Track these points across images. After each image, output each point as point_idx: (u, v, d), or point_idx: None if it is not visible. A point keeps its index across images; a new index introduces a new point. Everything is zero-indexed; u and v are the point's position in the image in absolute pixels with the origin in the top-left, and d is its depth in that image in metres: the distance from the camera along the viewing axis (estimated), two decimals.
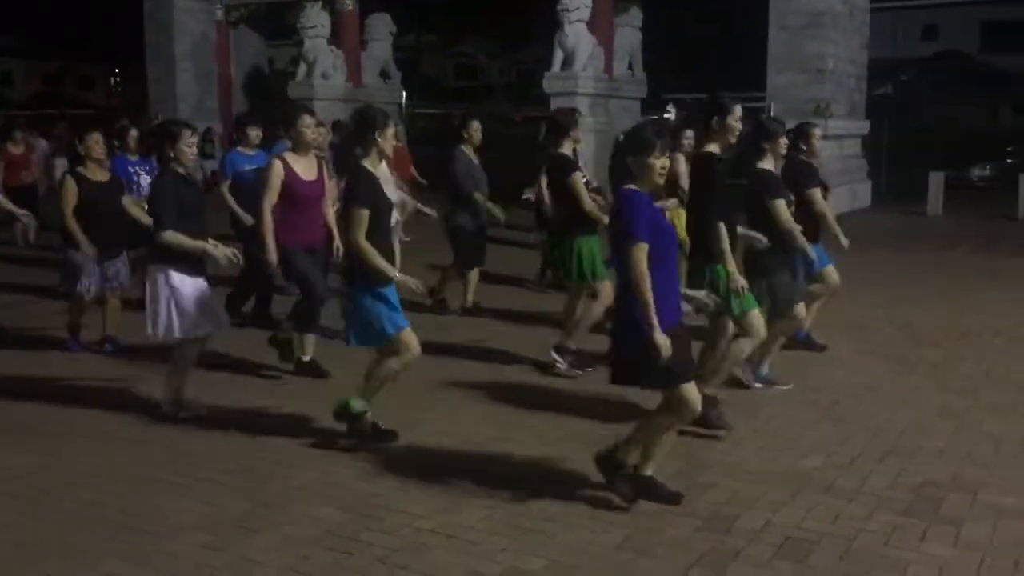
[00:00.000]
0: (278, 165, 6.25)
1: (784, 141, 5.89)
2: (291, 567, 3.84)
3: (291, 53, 25.01)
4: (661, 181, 4.25)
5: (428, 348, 6.04)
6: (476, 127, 8.44)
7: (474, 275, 8.63)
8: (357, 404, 5.07)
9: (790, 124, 6.32)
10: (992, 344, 7.45)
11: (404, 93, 22.68)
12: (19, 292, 9.48)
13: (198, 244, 5.49)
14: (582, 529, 4.15)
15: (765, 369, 6.23)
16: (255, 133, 8.08)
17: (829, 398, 6.01)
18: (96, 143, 7.01)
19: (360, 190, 4.89)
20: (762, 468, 4.84)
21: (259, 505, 4.44)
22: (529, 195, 8.93)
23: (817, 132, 6.75)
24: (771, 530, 4.13)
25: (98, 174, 7.07)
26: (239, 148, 8.11)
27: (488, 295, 8.86)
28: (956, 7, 36.01)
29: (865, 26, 18.07)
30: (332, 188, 6.77)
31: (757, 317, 5.40)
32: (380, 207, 4.94)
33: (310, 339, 6.56)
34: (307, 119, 6.27)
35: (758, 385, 6.17)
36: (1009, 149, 25.26)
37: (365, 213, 4.85)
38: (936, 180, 17.19)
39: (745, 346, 5.42)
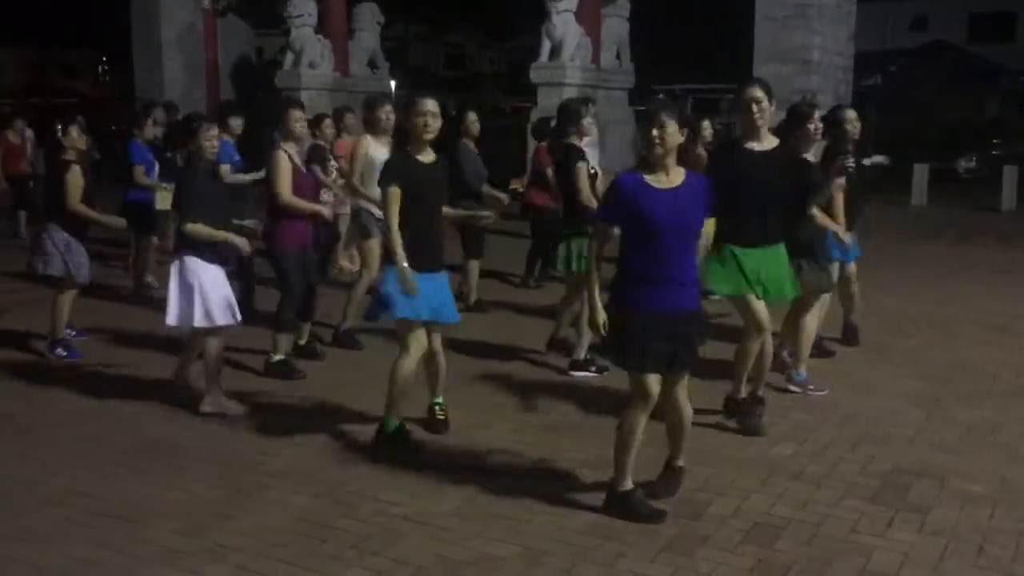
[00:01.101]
0: (284, 156, 6.27)
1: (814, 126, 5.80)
2: (264, 553, 3.87)
3: (280, 42, 24.90)
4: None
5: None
6: (472, 119, 8.40)
7: (476, 267, 8.55)
8: (390, 424, 5.05)
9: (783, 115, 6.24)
10: (967, 334, 7.51)
11: (393, 83, 22.64)
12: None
13: (219, 233, 5.55)
14: (553, 515, 4.19)
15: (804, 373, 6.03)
16: (236, 123, 8.08)
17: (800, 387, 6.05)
18: (79, 135, 7.00)
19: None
20: (734, 455, 4.89)
21: (233, 492, 4.46)
22: (517, 185, 8.89)
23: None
24: (740, 516, 4.18)
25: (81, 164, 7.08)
26: (224, 137, 8.09)
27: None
28: None
29: (852, 17, 18.07)
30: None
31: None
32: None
33: (283, 339, 6.52)
34: (296, 113, 6.38)
35: (796, 390, 5.95)
36: (996, 141, 25.39)
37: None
38: (921, 171, 17.26)
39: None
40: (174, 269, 5.58)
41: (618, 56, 19.82)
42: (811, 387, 5.93)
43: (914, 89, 29.01)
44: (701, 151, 7.15)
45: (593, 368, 6.35)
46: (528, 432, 5.27)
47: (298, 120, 6.35)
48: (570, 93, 17.49)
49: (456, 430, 5.28)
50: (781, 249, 5.26)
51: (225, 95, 23.56)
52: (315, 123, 8.94)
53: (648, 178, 4.06)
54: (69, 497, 4.41)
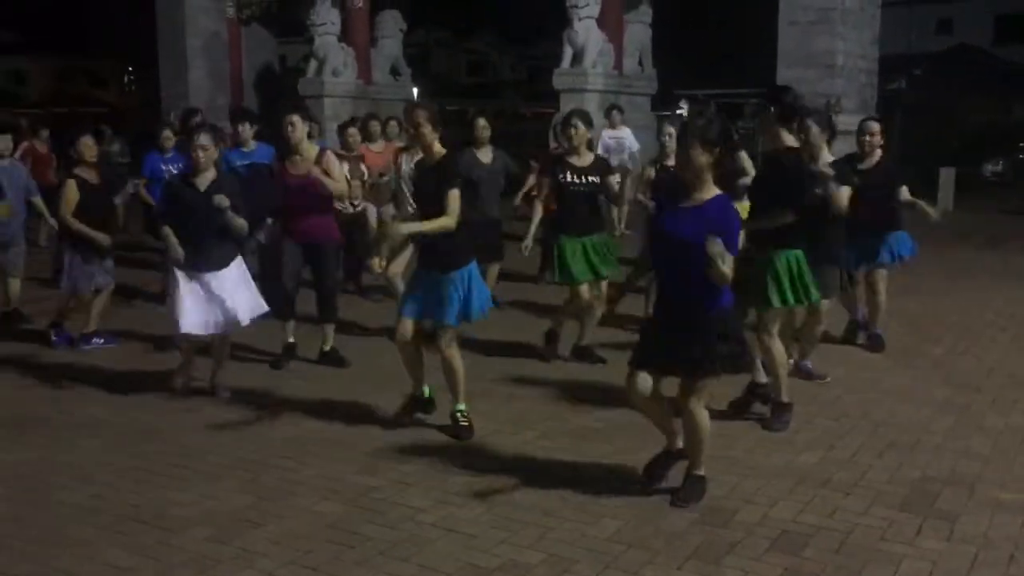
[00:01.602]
0: (276, 162, 6.66)
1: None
2: (293, 560, 3.90)
3: (303, 50, 25.06)
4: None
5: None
6: (482, 125, 8.40)
7: (494, 270, 8.57)
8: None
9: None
10: (996, 340, 7.46)
11: (415, 90, 22.72)
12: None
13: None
14: (579, 523, 4.20)
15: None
16: (243, 129, 8.17)
17: (830, 392, 6.04)
18: (88, 147, 7.14)
19: None
20: (761, 463, 4.87)
21: (261, 499, 4.50)
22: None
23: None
24: (767, 524, 4.17)
25: (92, 177, 7.21)
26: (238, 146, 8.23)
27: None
28: (970, 2, 35.80)
29: (876, 21, 17.97)
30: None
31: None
32: None
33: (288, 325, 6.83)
34: (292, 118, 6.48)
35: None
36: (1022, 144, 25.14)
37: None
38: (947, 176, 17.14)
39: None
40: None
41: (640, 62, 19.81)
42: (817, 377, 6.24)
43: (939, 93, 28.75)
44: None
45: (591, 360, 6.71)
46: (554, 438, 5.28)
47: (290, 124, 6.46)
48: (592, 99, 17.57)
49: (482, 436, 5.30)
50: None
51: (249, 103, 23.75)
52: (341, 129, 9.15)
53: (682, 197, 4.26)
54: (101, 504, 4.46)
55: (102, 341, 7.36)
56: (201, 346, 6.12)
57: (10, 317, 8.11)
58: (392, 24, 22.81)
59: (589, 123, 6.67)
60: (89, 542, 4.06)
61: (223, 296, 5.81)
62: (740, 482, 4.61)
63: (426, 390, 5.55)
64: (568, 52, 18.01)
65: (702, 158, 4.12)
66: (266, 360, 6.84)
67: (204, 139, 5.82)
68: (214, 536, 4.11)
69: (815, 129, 5.88)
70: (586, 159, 6.63)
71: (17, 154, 12.92)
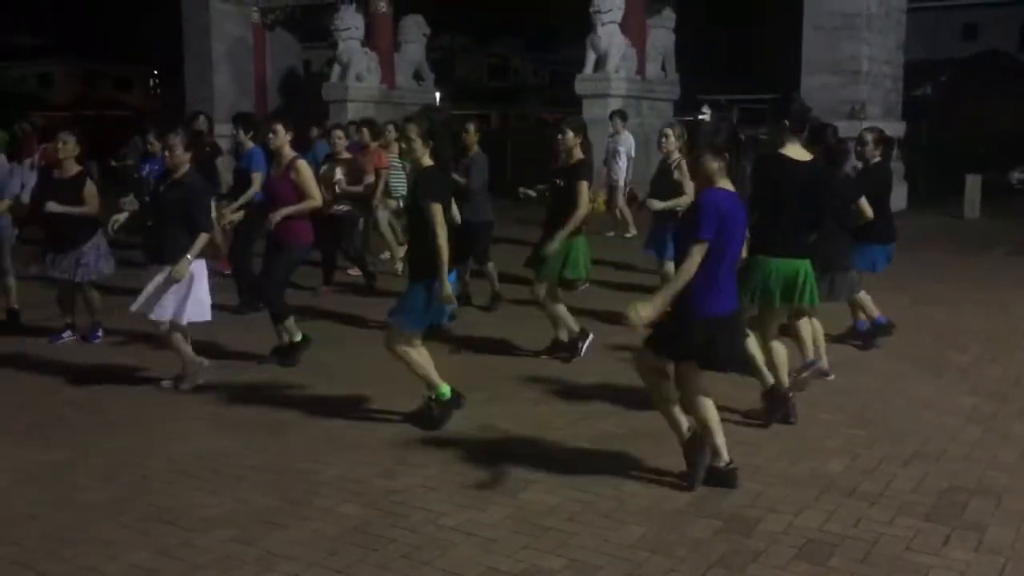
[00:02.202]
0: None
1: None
2: (317, 562, 3.91)
3: (327, 55, 25.21)
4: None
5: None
6: (470, 130, 8.61)
7: (492, 270, 8.91)
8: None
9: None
10: (1022, 348, 7.37)
11: (438, 94, 22.80)
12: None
13: None
14: (603, 528, 4.18)
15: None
16: (238, 134, 8.41)
17: (855, 401, 5.99)
18: (63, 144, 7.37)
19: None
20: (786, 471, 4.84)
21: (286, 501, 4.52)
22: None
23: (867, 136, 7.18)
24: (792, 532, 4.14)
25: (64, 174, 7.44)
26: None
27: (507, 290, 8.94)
28: (996, 7, 35.54)
29: (901, 26, 17.87)
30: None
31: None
32: None
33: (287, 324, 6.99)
34: (275, 125, 6.89)
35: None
36: None
37: None
38: (973, 182, 16.99)
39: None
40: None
41: (663, 67, 19.79)
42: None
43: (965, 99, 28.55)
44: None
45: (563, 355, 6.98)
46: (578, 442, 5.27)
47: (272, 133, 6.88)
48: (615, 104, 17.56)
49: (505, 441, 5.30)
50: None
51: (273, 107, 23.91)
52: (330, 132, 9.58)
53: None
54: (126, 506, 4.49)
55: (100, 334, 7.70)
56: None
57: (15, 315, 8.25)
58: (415, 29, 22.91)
59: (578, 130, 6.89)
60: (113, 541, 4.09)
61: (163, 289, 6.16)
62: (764, 490, 4.58)
63: (445, 390, 5.55)
64: (591, 57, 18.02)
65: (712, 164, 4.34)
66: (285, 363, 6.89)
67: (172, 140, 6.31)
68: (238, 537, 4.13)
69: (672, 139, 6.38)
70: (574, 161, 6.88)
71: (36, 156, 13.15)
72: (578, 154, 6.86)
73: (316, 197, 6.93)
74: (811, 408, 5.84)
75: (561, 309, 7.02)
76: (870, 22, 16.36)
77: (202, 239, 6.18)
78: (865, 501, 4.47)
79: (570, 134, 6.83)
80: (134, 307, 6.29)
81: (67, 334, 7.66)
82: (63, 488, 4.70)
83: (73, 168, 7.41)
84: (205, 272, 6.33)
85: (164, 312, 6.18)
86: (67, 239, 7.33)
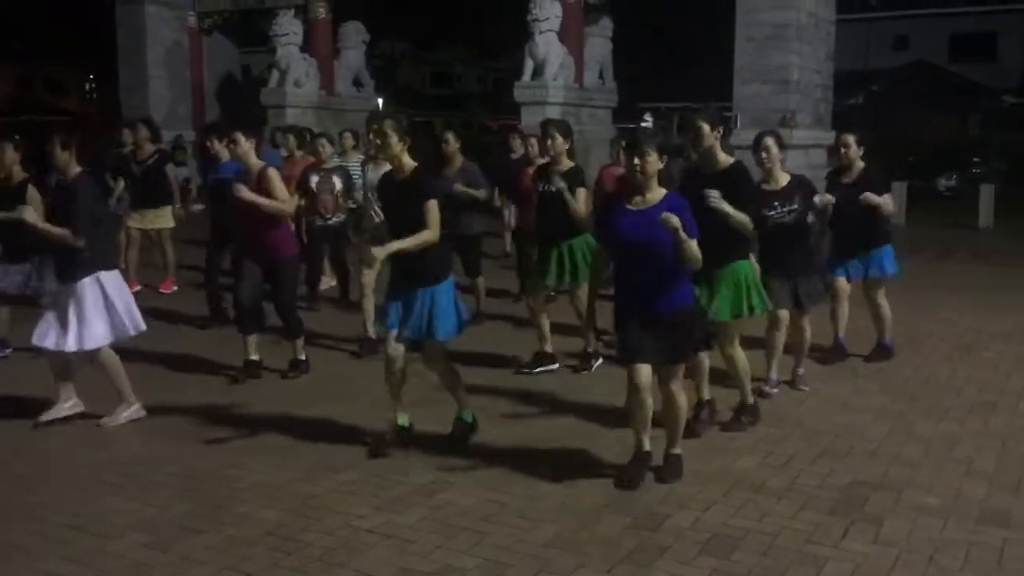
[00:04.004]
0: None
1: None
2: (230, 566, 3.93)
3: (266, 60, 25.08)
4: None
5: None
6: (450, 139, 8.42)
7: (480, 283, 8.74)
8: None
9: (750, 134, 6.45)
10: (939, 350, 7.63)
11: (380, 101, 22.76)
12: None
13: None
14: (517, 528, 4.26)
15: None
16: (211, 143, 8.26)
17: (771, 401, 6.14)
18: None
19: None
20: (698, 468, 4.96)
21: (203, 506, 4.53)
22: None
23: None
24: (699, 528, 4.26)
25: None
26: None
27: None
28: (926, 18, 36.48)
29: (831, 37, 18.30)
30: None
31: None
32: None
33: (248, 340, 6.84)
34: (235, 134, 6.63)
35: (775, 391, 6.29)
36: (976, 159, 25.66)
37: None
38: (899, 189, 17.43)
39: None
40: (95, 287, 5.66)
41: (601, 75, 20.03)
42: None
43: (896, 108, 29.31)
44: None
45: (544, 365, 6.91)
46: (498, 445, 5.34)
47: (233, 144, 6.70)
48: (553, 112, 17.71)
49: (425, 445, 5.34)
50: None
51: (211, 112, 23.67)
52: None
53: (628, 200, 4.63)
54: (43, 512, 4.46)
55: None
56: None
57: None
58: (355, 35, 22.88)
59: (566, 133, 6.76)
60: (27, 549, 4.07)
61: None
62: (675, 487, 4.71)
63: (403, 419, 5.38)
64: (529, 65, 18.17)
65: (657, 164, 4.53)
66: (230, 374, 6.84)
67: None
68: (152, 543, 4.13)
69: (775, 151, 5.89)
70: (565, 167, 6.69)
71: None
72: (567, 161, 6.74)
73: (288, 202, 6.67)
74: (724, 409, 5.98)
75: (546, 323, 6.96)
76: (800, 33, 16.73)
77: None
78: (772, 496, 4.61)
79: (559, 139, 6.63)
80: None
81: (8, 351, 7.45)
82: None
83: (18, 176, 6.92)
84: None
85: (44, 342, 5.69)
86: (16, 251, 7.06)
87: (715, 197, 5.03)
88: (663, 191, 4.58)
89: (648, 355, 4.56)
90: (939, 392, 6.42)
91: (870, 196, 6.71)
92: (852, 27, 28.50)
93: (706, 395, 5.69)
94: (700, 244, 4.48)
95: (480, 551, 4.05)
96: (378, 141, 5.05)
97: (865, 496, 4.61)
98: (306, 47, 21.50)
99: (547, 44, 17.96)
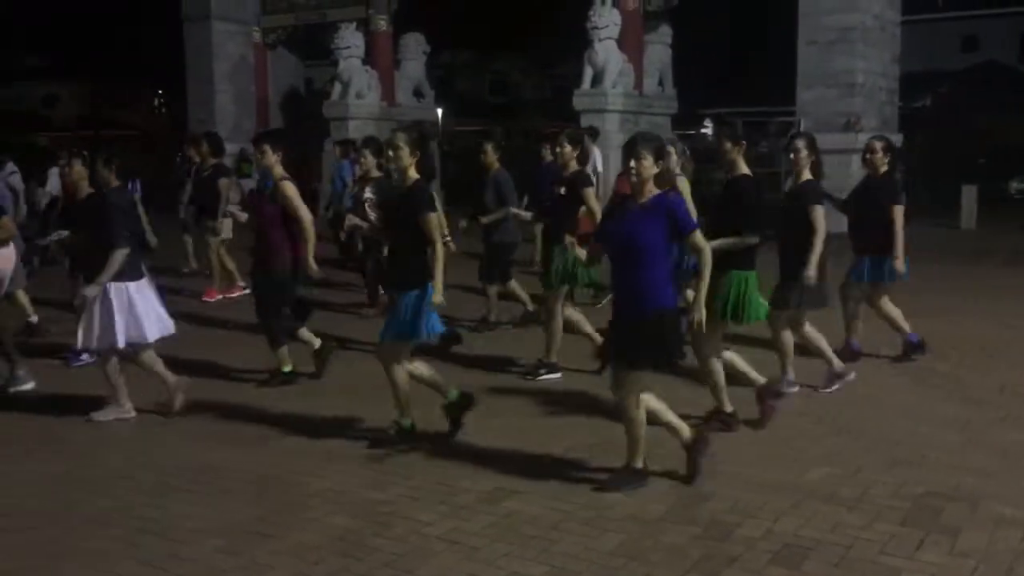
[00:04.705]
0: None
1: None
2: (301, 571, 3.99)
3: (329, 73, 25.47)
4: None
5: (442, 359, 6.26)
6: (486, 148, 8.81)
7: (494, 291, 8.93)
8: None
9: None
10: (1011, 357, 7.43)
11: (439, 111, 22.94)
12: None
13: None
14: (584, 536, 4.26)
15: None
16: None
17: (838, 410, 6.06)
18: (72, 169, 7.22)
19: None
20: (765, 478, 4.91)
21: (272, 512, 4.60)
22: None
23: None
24: (769, 538, 4.21)
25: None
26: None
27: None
28: (995, 18, 35.64)
29: (896, 39, 17.99)
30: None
31: None
32: None
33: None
34: (263, 146, 6.96)
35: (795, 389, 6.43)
36: None
37: None
38: (969, 193, 17.07)
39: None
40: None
41: (661, 83, 19.93)
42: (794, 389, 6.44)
43: (965, 110, 28.62)
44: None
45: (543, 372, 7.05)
46: (557, 454, 5.34)
47: (258, 155, 7.06)
48: (612, 119, 17.71)
49: (488, 453, 5.37)
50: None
51: (274, 125, 24.10)
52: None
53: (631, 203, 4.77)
54: (116, 517, 4.58)
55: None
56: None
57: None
58: (415, 46, 23.11)
59: (574, 142, 7.05)
60: (103, 553, 4.18)
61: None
62: (743, 497, 4.65)
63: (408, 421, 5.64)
64: (588, 72, 18.16)
65: (652, 168, 4.69)
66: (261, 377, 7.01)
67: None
68: (224, 548, 4.21)
69: (803, 153, 6.23)
70: (571, 171, 7.05)
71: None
72: (574, 165, 7.00)
73: (304, 216, 6.87)
74: (794, 417, 5.92)
75: (559, 328, 7.04)
76: (865, 36, 16.49)
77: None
78: (843, 507, 4.53)
79: (568, 147, 6.98)
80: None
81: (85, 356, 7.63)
82: (58, 500, 4.80)
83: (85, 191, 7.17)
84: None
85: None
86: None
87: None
88: (656, 191, 4.73)
89: (628, 355, 4.70)
90: (1013, 400, 6.25)
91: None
92: (918, 28, 27.95)
93: (727, 407, 5.72)
94: None
95: (547, 559, 4.05)
96: (390, 153, 5.43)
97: (939, 507, 4.50)
98: (367, 59, 21.78)
99: (606, 52, 17.94)
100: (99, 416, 6.17)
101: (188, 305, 10.00)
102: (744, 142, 5.75)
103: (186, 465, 5.29)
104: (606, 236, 4.90)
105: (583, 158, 7.12)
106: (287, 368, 7.01)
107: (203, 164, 10.78)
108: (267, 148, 6.90)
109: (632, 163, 4.66)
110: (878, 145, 7.25)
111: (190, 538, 4.32)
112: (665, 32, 19.91)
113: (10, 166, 13.42)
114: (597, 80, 18.13)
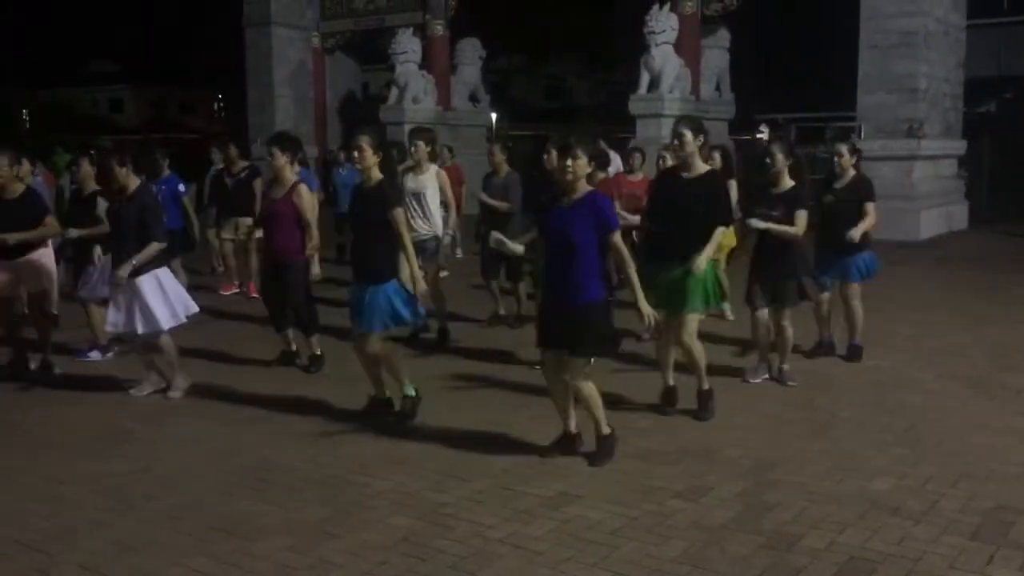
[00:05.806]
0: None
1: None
2: (367, 571, 4.05)
3: (386, 77, 25.76)
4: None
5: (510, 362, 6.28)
6: (493, 150, 9.19)
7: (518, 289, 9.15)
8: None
9: (875, 144, 6.87)
10: None
11: (494, 115, 23.05)
12: None
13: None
14: (646, 543, 4.25)
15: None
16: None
17: (904, 421, 5.97)
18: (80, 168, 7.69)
19: None
20: (830, 489, 4.86)
21: (338, 512, 4.67)
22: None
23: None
24: (835, 550, 4.17)
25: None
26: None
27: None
28: None
29: (961, 44, 17.67)
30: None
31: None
32: None
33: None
34: (273, 149, 7.18)
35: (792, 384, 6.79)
36: None
37: None
38: None
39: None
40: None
41: (718, 87, 19.83)
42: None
43: None
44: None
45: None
46: (624, 459, 5.34)
47: (271, 157, 7.23)
48: (668, 124, 17.59)
49: (553, 455, 5.39)
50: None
51: (332, 129, 24.42)
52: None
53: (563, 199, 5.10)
54: (187, 513, 4.69)
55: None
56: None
57: None
58: (471, 51, 23.27)
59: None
60: (174, 548, 4.28)
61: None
62: (808, 507, 4.61)
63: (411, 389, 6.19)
64: (645, 77, 18.13)
65: (586, 167, 5.00)
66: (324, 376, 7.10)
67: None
68: (293, 546, 4.29)
69: (780, 156, 6.48)
70: None
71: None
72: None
73: (312, 222, 7.25)
74: (860, 427, 5.86)
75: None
76: (928, 40, 16.21)
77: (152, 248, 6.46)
78: (910, 519, 4.47)
79: (554, 152, 7.15)
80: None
81: (94, 353, 7.95)
82: (128, 497, 4.92)
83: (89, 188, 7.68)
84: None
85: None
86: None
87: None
88: (588, 189, 5.04)
89: (555, 342, 5.08)
90: None
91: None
92: (985, 33, 27.33)
93: (705, 384, 6.13)
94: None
95: (609, 564, 4.06)
96: (355, 153, 5.78)
97: (1010, 521, 4.42)
98: (424, 64, 21.97)
99: (663, 56, 17.90)
100: (136, 392, 6.76)
101: (233, 303, 10.18)
102: (704, 135, 5.95)
103: (250, 463, 5.39)
104: (542, 231, 5.21)
105: (604, 163, 7.26)
106: (317, 351, 7.50)
107: (232, 167, 11.06)
108: (276, 151, 7.11)
109: (568, 162, 4.94)
110: (844, 148, 7.48)
111: (259, 536, 4.40)
112: (723, 36, 19.81)
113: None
114: (654, 85, 18.09)
